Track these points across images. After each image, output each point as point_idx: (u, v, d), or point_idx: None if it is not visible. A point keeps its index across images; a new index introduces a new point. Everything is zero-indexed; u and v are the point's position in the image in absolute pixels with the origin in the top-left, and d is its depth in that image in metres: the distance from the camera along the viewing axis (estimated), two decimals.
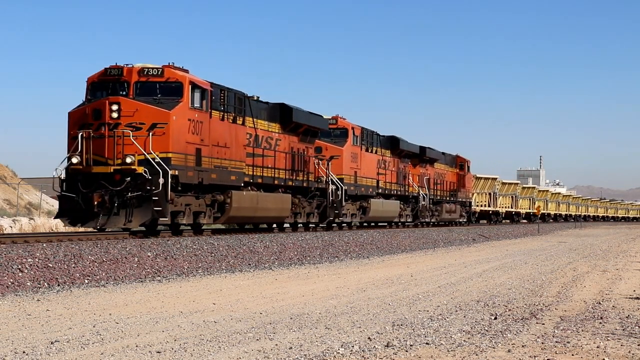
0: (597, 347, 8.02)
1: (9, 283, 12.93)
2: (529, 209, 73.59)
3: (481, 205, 62.95)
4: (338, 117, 33.57)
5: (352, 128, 33.60)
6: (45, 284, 13.43)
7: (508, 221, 68.20)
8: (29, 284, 13.20)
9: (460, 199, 51.85)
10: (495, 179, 65.26)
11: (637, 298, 12.50)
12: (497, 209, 65.78)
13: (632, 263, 21.03)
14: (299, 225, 30.41)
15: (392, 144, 39.50)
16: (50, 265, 14.43)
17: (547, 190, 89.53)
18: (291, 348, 7.82)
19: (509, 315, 10.33)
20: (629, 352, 7.82)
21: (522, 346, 8.03)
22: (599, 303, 11.73)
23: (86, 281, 14.18)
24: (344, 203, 31.53)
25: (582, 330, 9.08)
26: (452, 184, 50.38)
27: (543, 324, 9.59)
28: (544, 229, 55.26)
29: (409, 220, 42.53)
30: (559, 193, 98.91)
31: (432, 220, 46.05)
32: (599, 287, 14.21)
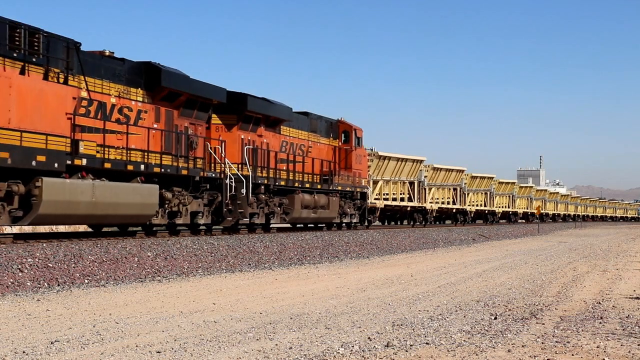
0: (597, 347, 8.02)
1: (9, 283, 12.92)
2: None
3: (392, 199, 42.48)
4: None
5: None
6: (45, 284, 13.43)
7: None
8: (29, 284, 13.20)
9: (339, 188, 33.29)
10: (421, 161, 44.85)
11: (637, 298, 12.50)
12: (425, 204, 46.38)
13: (632, 263, 21.03)
14: None
15: (148, 77, 21.08)
16: (50, 265, 14.43)
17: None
18: (291, 348, 7.82)
19: (509, 315, 10.33)
20: (629, 352, 7.82)
21: (522, 346, 8.03)
22: (599, 303, 11.73)
23: (86, 281, 14.17)
24: None
25: (582, 330, 9.08)
26: (326, 163, 32.23)
27: (543, 324, 9.59)
28: (544, 229, 55.24)
29: (204, 221, 23.78)
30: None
31: (274, 223, 28.68)
32: (599, 287, 14.21)
